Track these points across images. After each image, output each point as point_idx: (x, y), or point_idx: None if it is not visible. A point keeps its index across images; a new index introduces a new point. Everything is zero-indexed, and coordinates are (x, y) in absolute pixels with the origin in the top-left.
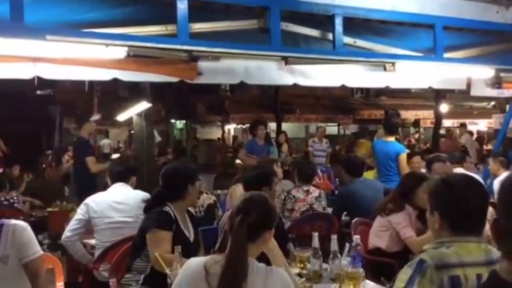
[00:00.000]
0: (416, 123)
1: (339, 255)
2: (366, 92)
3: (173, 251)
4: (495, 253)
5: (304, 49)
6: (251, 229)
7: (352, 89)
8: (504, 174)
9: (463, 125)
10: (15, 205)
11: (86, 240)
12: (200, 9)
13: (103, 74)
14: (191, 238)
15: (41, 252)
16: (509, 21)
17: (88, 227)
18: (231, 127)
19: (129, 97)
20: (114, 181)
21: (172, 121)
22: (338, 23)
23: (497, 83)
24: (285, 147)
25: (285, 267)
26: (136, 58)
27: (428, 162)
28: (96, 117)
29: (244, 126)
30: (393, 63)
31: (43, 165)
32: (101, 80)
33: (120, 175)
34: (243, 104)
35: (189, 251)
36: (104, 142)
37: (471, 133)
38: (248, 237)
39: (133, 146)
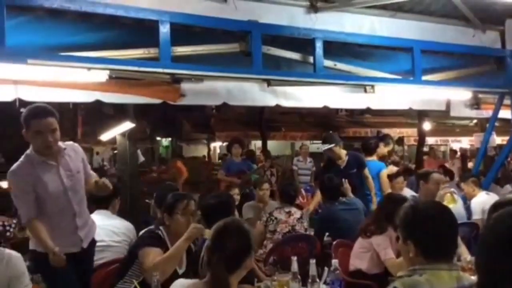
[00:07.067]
0: (400, 140)
1: (317, 280)
2: (350, 110)
3: None
4: (467, 279)
5: (286, 72)
6: (229, 262)
7: None
8: (480, 194)
9: (454, 151)
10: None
11: None
12: (182, 32)
13: (85, 96)
14: (181, 270)
15: (30, 285)
16: (485, 44)
17: None
18: (216, 145)
19: (114, 114)
20: (96, 207)
21: (158, 138)
22: (319, 46)
23: (475, 104)
24: None
25: None
26: (119, 80)
27: (424, 174)
28: None
29: None
30: (372, 86)
31: None
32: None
33: (102, 201)
34: (229, 121)
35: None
36: (95, 158)
37: (454, 151)
38: (227, 272)
39: (117, 165)
